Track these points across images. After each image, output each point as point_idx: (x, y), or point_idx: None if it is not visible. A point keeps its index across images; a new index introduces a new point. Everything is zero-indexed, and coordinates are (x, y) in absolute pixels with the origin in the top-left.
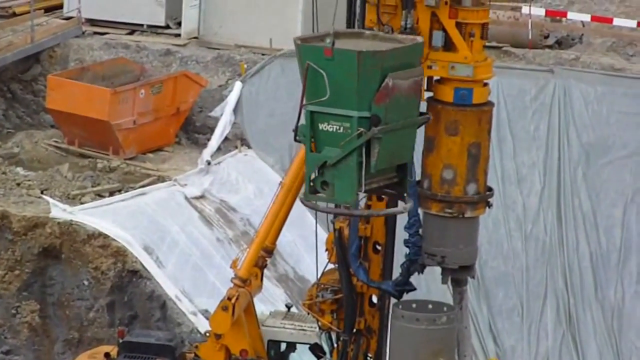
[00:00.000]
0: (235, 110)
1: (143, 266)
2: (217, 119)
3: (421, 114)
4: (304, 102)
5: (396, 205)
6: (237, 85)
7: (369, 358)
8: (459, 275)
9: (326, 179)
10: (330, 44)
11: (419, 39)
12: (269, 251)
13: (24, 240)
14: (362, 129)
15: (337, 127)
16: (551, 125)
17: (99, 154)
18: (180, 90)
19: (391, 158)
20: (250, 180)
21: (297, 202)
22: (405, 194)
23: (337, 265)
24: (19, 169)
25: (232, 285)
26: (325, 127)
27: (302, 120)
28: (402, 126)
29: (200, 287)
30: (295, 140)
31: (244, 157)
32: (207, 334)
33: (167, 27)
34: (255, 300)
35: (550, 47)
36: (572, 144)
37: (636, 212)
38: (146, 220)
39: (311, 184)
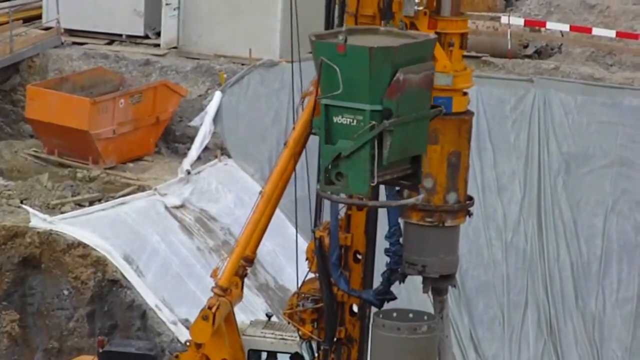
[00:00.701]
0: (215, 119)
1: (123, 276)
2: (197, 129)
3: (433, 106)
4: (319, 96)
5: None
6: (217, 94)
7: None
8: (439, 284)
9: (341, 170)
10: (343, 40)
11: (432, 35)
12: (250, 260)
13: (4, 250)
14: (374, 122)
15: (351, 120)
16: (531, 135)
17: (79, 163)
18: (160, 100)
19: (404, 150)
20: (231, 190)
21: (278, 211)
22: (419, 185)
23: (317, 274)
24: None
25: (212, 294)
26: (339, 120)
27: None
28: (414, 119)
29: (181, 296)
30: (312, 133)
31: (224, 167)
32: (188, 344)
33: (146, 37)
34: (236, 309)
35: (529, 56)
36: (552, 153)
37: (616, 221)
38: (126, 229)
39: (326, 175)
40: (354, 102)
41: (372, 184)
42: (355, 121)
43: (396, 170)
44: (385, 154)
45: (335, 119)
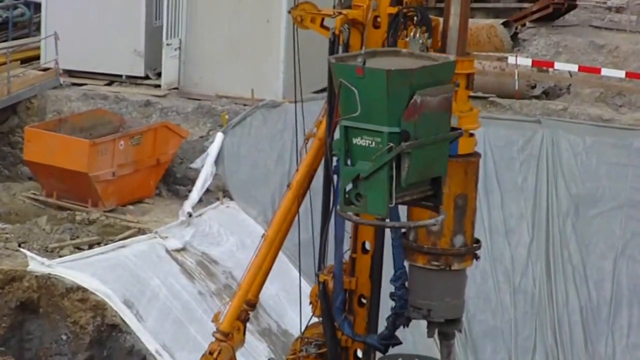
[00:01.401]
0: (217, 161)
1: (123, 320)
2: (198, 171)
3: (452, 129)
4: (339, 118)
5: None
6: (219, 136)
7: None
8: (445, 328)
9: (360, 191)
10: (362, 63)
11: (451, 57)
12: (252, 304)
13: (1, 294)
14: (392, 144)
15: (370, 142)
16: (539, 177)
17: (78, 206)
18: (161, 142)
19: (422, 172)
20: (233, 233)
21: (281, 255)
22: (440, 207)
23: (321, 318)
24: None
25: (214, 339)
26: (358, 141)
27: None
28: (433, 141)
29: (182, 341)
30: (331, 154)
31: (226, 209)
32: None
33: (147, 77)
34: (238, 354)
35: (537, 97)
36: (561, 195)
37: (627, 264)
38: (126, 273)
39: (346, 195)
40: (372, 124)
41: (391, 205)
42: (374, 143)
43: (416, 191)
44: (403, 176)
45: (354, 141)
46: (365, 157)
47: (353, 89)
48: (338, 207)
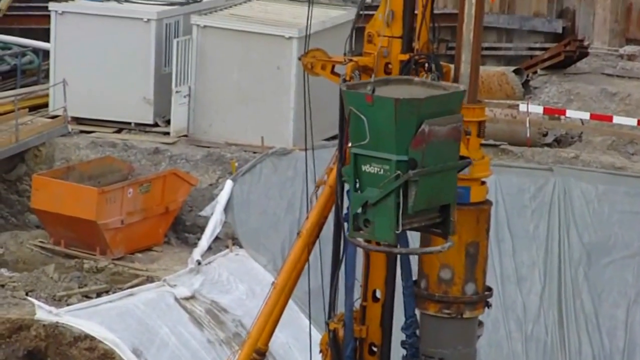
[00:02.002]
0: (226, 209)
1: None
2: (207, 218)
3: (461, 157)
4: (349, 145)
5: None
6: (228, 183)
7: None
8: None
9: (368, 217)
10: (371, 91)
11: (461, 87)
12: (262, 353)
13: (9, 344)
14: (399, 172)
15: (378, 169)
16: (551, 225)
17: (86, 254)
18: (170, 189)
19: (430, 200)
20: (242, 281)
21: (291, 303)
22: (448, 234)
23: None
24: (4, 270)
25: None
26: (367, 168)
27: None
28: (440, 170)
29: None
30: (340, 180)
31: (235, 257)
32: None
33: (156, 125)
34: None
35: (549, 145)
36: (573, 244)
37: (639, 313)
38: (135, 321)
39: (355, 221)
40: (380, 152)
41: (397, 232)
42: (382, 170)
43: (424, 218)
44: (410, 203)
45: (363, 168)
46: (374, 184)
47: (362, 116)
48: (347, 234)
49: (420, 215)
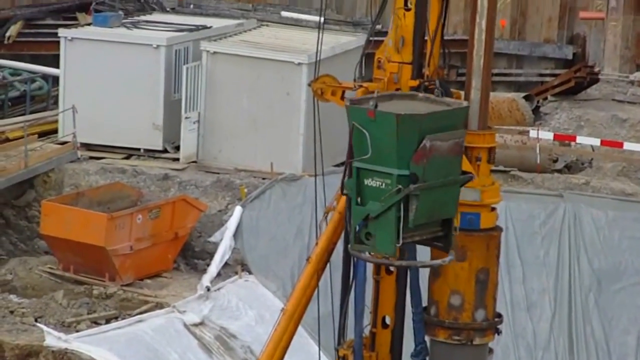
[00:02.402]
0: (236, 235)
1: None
2: (216, 244)
3: (463, 172)
4: (351, 159)
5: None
6: (237, 209)
7: None
8: None
9: (369, 231)
10: (373, 106)
11: (464, 103)
12: None
13: None
14: (400, 186)
15: (380, 183)
16: (561, 251)
17: (95, 280)
18: (179, 215)
19: (431, 214)
20: (252, 307)
21: (300, 329)
22: (450, 248)
23: None
24: (13, 297)
25: None
26: (369, 182)
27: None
28: (442, 184)
29: None
30: (342, 194)
31: (244, 283)
32: None
33: (165, 151)
34: None
35: (559, 171)
36: (583, 270)
37: None
38: (144, 348)
39: (357, 234)
40: (382, 166)
41: (398, 245)
42: (384, 184)
43: (426, 232)
44: (411, 217)
45: (365, 181)
46: (376, 198)
47: (365, 131)
48: (350, 247)
49: (422, 228)
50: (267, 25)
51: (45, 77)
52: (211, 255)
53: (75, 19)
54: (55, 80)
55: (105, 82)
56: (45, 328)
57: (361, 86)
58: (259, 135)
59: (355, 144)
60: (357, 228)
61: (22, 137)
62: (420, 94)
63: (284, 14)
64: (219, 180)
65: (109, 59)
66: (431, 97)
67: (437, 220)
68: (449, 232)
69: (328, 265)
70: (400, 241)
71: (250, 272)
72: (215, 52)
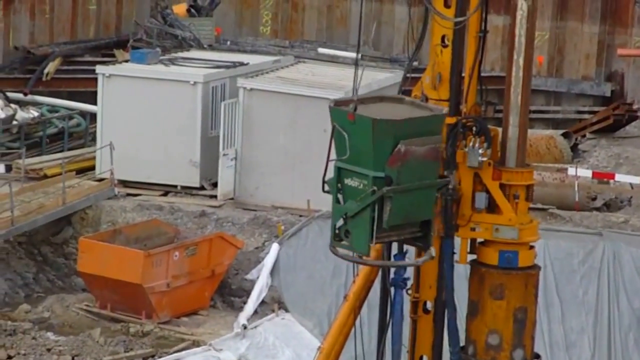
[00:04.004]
0: (272, 272)
1: None
2: (253, 282)
3: (441, 177)
4: (333, 159)
5: None
6: (274, 247)
7: None
8: None
9: (348, 229)
10: (353, 109)
11: (444, 110)
12: None
13: None
14: (375, 187)
15: (358, 183)
16: (600, 290)
17: (132, 317)
18: (216, 252)
19: (407, 215)
20: (288, 345)
21: None
22: (428, 247)
23: None
24: (50, 334)
25: None
26: (349, 182)
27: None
28: (417, 187)
29: None
30: (323, 191)
31: (281, 321)
32: None
33: (202, 188)
34: None
35: (598, 209)
36: (623, 309)
37: None
38: None
39: (337, 232)
40: (360, 167)
41: (371, 244)
42: (361, 185)
43: (403, 232)
44: (385, 218)
45: (346, 181)
46: (354, 197)
47: (344, 132)
48: (330, 245)
49: (399, 229)
50: (303, 62)
51: (82, 114)
52: (248, 292)
53: (112, 55)
54: (92, 117)
55: (142, 119)
56: None
57: None
58: (295, 172)
59: (336, 145)
60: (337, 225)
61: (59, 174)
62: (407, 98)
63: (321, 50)
64: (256, 217)
65: (147, 96)
66: (416, 102)
67: (414, 221)
68: (429, 232)
69: (365, 303)
70: (374, 241)
71: (287, 310)
72: (252, 89)
